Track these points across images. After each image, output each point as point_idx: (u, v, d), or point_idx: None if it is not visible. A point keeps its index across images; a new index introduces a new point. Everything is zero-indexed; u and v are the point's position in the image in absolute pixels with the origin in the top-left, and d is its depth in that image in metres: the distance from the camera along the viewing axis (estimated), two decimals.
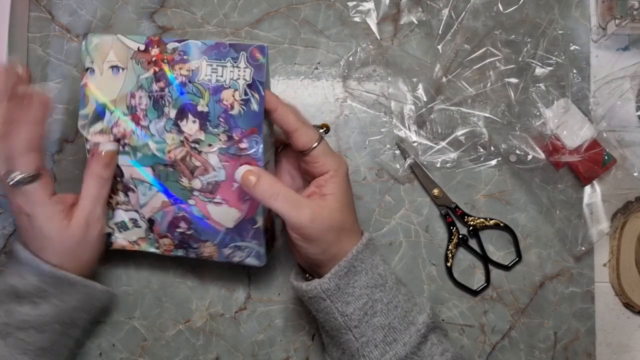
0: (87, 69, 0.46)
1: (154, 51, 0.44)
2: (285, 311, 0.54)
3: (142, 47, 0.45)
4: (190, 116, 0.44)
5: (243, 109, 0.43)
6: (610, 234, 0.55)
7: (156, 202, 0.47)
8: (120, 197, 0.48)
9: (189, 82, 0.44)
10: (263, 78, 0.43)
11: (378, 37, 0.55)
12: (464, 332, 0.54)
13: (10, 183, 0.42)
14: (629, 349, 0.54)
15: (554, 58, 0.53)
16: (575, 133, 0.52)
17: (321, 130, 0.47)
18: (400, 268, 0.54)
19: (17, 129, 0.42)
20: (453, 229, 0.54)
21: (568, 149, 0.52)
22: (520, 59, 0.52)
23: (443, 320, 0.54)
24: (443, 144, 0.54)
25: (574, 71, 0.53)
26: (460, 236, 0.54)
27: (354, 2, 0.55)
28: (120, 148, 0.46)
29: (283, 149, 0.50)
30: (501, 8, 0.52)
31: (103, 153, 0.45)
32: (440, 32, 0.53)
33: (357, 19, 0.55)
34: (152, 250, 0.49)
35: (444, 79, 0.53)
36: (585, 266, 0.54)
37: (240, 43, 0.43)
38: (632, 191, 0.54)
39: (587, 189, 0.54)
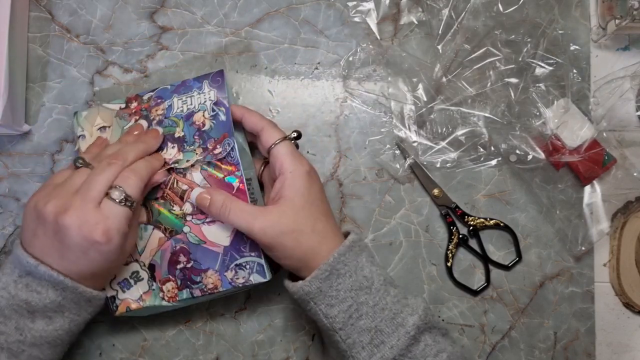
0: (79, 136, 0.50)
1: (133, 105, 0.50)
2: (285, 311, 0.54)
3: (123, 105, 0.50)
4: (168, 144, 0.48)
5: (213, 122, 0.47)
6: (610, 234, 0.55)
7: (153, 242, 0.48)
8: None
9: (165, 118, 0.49)
10: (226, 94, 0.48)
11: (378, 37, 0.55)
12: (464, 332, 0.54)
13: (112, 196, 0.42)
14: (629, 349, 0.54)
15: (554, 58, 0.53)
16: (575, 133, 0.52)
17: (292, 135, 0.48)
18: (400, 268, 0.54)
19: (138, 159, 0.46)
20: (453, 229, 0.54)
21: (568, 149, 0.52)
22: (520, 59, 0.52)
23: (443, 320, 0.54)
24: (443, 144, 0.54)
25: (574, 71, 0.53)
26: (461, 236, 0.54)
27: (354, 2, 0.55)
28: None
29: (265, 166, 0.50)
30: (501, 8, 0.52)
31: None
32: (440, 32, 0.53)
33: (357, 19, 0.55)
34: (157, 303, 0.48)
35: (444, 79, 0.53)
36: (585, 266, 0.54)
37: (202, 75, 0.49)
38: (632, 191, 0.54)
39: (587, 189, 0.54)
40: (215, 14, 0.56)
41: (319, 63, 0.56)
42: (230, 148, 0.46)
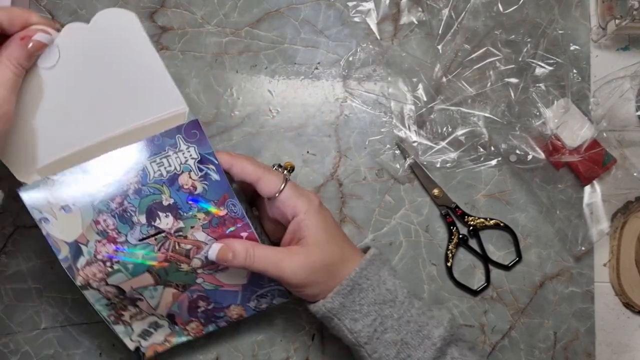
0: (40, 220, 0.43)
1: None
2: (285, 311, 0.54)
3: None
4: (160, 213, 0.44)
5: (206, 184, 0.43)
6: (610, 234, 0.55)
7: (167, 297, 0.46)
8: (131, 310, 0.46)
9: (142, 186, 0.43)
10: (210, 149, 0.43)
11: (378, 37, 0.55)
12: None
13: None
14: (629, 348, 0.54)
15: (554, 58, 0.53)
16: (575, 133, 0.52)
17: (285, 172, 0.45)
18: (400, 268, 0.54)
19: None
20: (453, 228, 0.54)
21: (568, 149, 0.52)
22: (520, 59, 0.52)
23: None
24: (443, 144, 0.54)
25: (574, 71, 0.53)
26: (460, 236, 0.54)
27: (354, 2, 0.55)
28: (110, 269, 0.44)
29: (257, 197, 0.48)
30: (501, 8, 0.52)
31: (31, 44, 0.39)
32: (440, 32, 0.53)
33: (357, 19, 0.55)
34: (184, 339, 0.48)
35: (444, 79, 0.53)
36: (585, 266, 0.54)
37: (170, 129, 0.43)
38: (632, 191, 0.54)
39: (587, 189, 0.54)
40: (215, 14, 0.56)
41: (319, 63, 0.56)
42: (236, 208, 0.44)
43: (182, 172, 0.43)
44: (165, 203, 0.44)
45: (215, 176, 0.43)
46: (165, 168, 0.43)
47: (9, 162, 0.43)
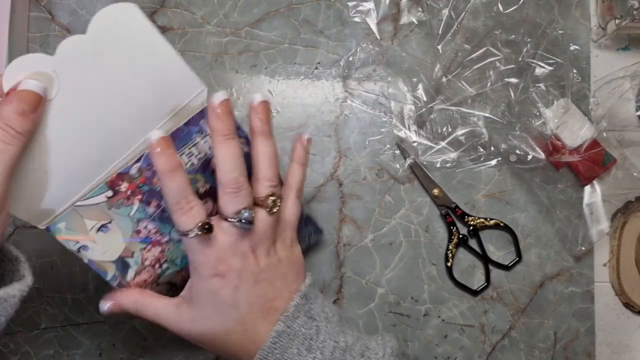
0: (78, 250, 0.40)
1: (124, 186, 0.40)
2: None
3: (110, 194, 0.40)
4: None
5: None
6: (610, 234, 0.55)
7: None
8: None
9: None
10: (236, 122, 0.41)
11: (378, 37, 0.55)
12: (464, 332, 0.54)
13: None
14: (629, 348, 0.54)
15: (554, 58, 0.53)
16: (575, 133, 0.52)
17: (201, 225, 0.38)
18: (400, 268, 0.54)
19: None
20: (453, 229, 0.54)
21: (568, 149, 0.52)
22: (520, 59, 0.53)
23: (443, 320, 0.54)
24: (443, 144, 0.54)
25: (574, 71, 0.53)
26: (460, 236, 0.54)
27: (354, 2, 0.55)
28: (159, 270, 0.43)
29: None
30: (501, 8, 0.52)
31: (18, 97, 0.32)
32: (440, 32, 0.53)
33: (357, 19, 0.56)
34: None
35: (444, 79, 0.53)
36: (585, 266, 0.54)
37: (193, 116, 0.41)
38: (632, 191, 0.54)
39: (587, 189, 0.54)
40: (215, 14, 0.56)
41: (319, 63, 0.56)
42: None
43: (213, 154, 0.40)
44: (201, 190, 0.42)
45: (246, 149, 0.42)
46: (195, 156, 0.42)
47: (31, 219, 0.39)
